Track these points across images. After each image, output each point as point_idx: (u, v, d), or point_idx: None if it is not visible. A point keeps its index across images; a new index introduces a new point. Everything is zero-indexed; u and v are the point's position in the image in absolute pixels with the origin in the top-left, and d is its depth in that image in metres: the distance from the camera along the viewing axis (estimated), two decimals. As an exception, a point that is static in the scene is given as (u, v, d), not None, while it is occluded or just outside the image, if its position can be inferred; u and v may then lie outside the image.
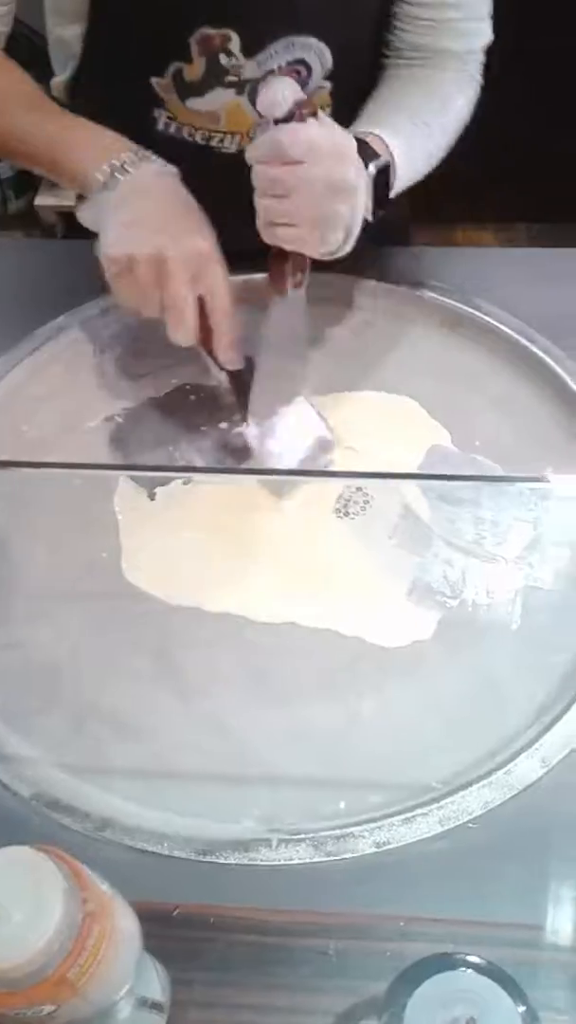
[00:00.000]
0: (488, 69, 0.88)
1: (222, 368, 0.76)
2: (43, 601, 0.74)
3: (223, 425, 0.83)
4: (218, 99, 0.84)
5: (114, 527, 0.78)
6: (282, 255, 0.71)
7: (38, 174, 0.84)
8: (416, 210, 1.09)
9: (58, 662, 0.70)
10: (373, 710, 0.67)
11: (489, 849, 0.60)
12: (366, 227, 0.71)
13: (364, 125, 0.76)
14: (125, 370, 0.89)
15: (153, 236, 0.68)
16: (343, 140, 0.67)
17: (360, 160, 0.68)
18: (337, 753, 0.65)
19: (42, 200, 2.07)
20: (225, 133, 0.87)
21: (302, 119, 0.64)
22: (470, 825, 0.60)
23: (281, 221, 0.67)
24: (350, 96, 0.85)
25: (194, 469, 0.81)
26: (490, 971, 0.41)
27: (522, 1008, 0.40)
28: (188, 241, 0.69)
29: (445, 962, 0.41)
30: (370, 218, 0.72)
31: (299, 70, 0.83)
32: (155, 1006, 0.49)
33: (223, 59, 0.80)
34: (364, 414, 0.85)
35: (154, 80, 0.83)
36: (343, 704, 0.67)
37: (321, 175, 0.64)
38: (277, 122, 0.64)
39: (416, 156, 0.78)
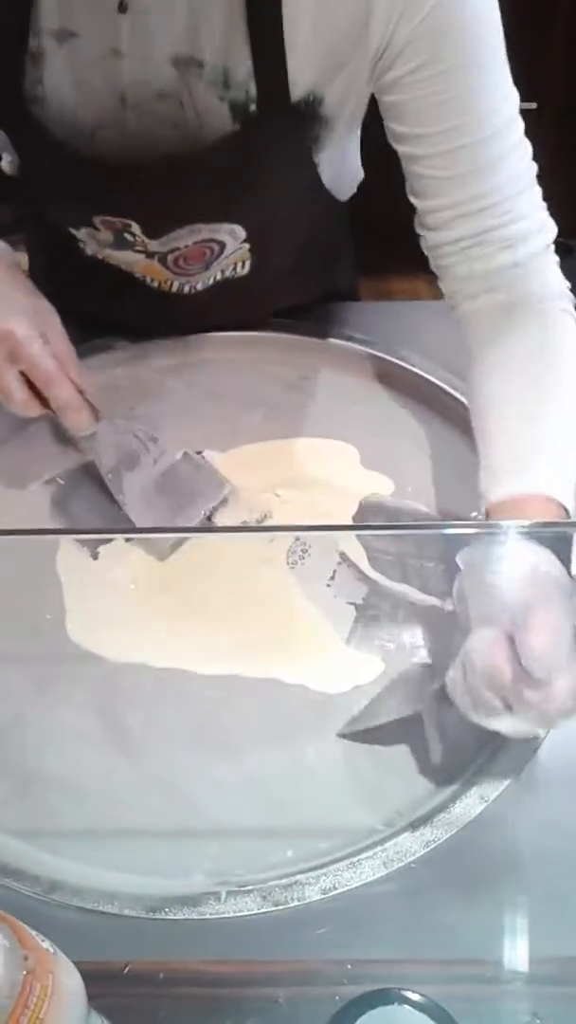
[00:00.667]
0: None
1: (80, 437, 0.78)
2: (-13, 665, 0.75)
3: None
4: (131, 258, 0.85)
5: (57, 588, 0.79)
6: None
7: None
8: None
9: (2, 725, 0.71)
10: (317, 757, 0.68)
11: (433, 888, 0.61)
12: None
13: (513, 473, 0.65)
14: (64, 432, 0.90)
15: None
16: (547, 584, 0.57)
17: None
18: (284, 801, 0.66)
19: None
20: (147, 276, 0.88)
21: None
22: (412, 865, 0.62)
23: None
24: (268, 246, 0.86)
25: (135, 530, 0.82)
26: (424, 1006, 0.42)
27: (458, 1041, 0.42)
28: None
29: (380, 998, 0.42)
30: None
31: (210, 247, 0.82)
32: (104, 1065, 0.49)
33: (127, 236, 0.80)
34: (300, 462, 0.88)
35: (71, 230, 0.84)
36: (288, 753, 0.69)
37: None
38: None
39: (571, 470, 0.66)
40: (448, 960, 0.58)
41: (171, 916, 0.60)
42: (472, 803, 0.64)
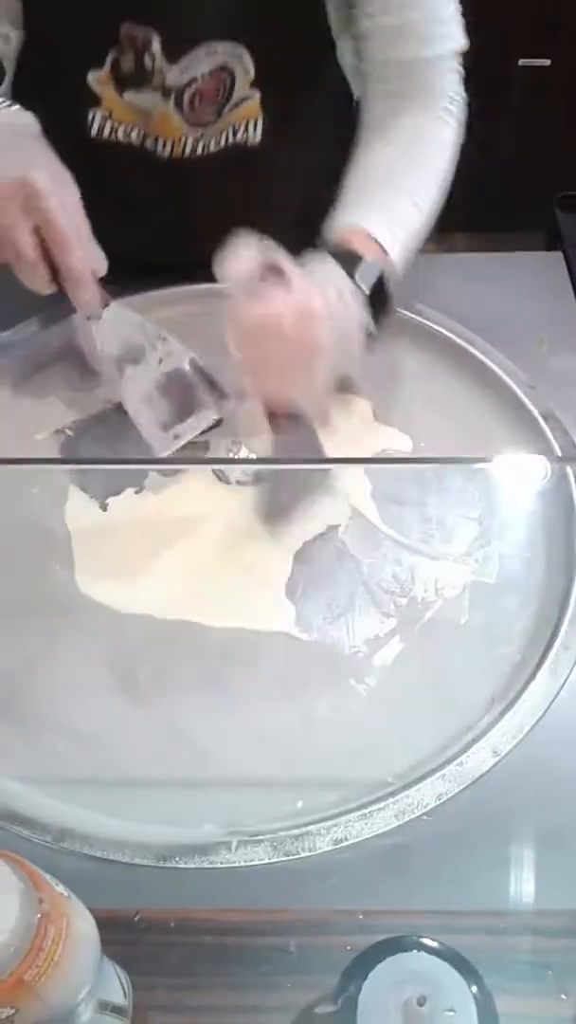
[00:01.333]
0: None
1: (87, 316, 0.75)
2: (-4, 614, 0.74)
3: (197, 436, 0.83)
4: (148, 100, 0.84)
5: (66, 539, 0.78)
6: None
7: None
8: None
9: (12, 674, 0.70)
10: (327, 709, 0.68)
11: (444, 840, 0.61)
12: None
13: (351, 207, 0.75)
14: (72, 383, 0.89)
15: None
16: (303, 299, 0.66)
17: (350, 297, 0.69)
18: (294, 753, 0.66)
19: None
20: (158, 136, 0.87)
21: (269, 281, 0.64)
22: (425, 817, 0.61)
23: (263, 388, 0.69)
24: (280, 107, 0.86)
25: (147, 461, 0.80)
26: (441, 952, 0.42)
27: (474, 988, 0.41)
28: (14, 172, 0.67)
29: (397, 945, 0.41)
30: (373, 331, 0.73)
31: (223, 78, 0.83)
32: (116, 1010, 0.49)
33: (147, 60, 0.80)
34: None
35: (92, 75, 0.82)
36: (298, 705, 0.68)
37: (290, 338, 0.65)
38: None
39: (410, 239, 0.77)
40: (459, 912, 0.58)
41: (182, 865, 0.60)
42: (484, 757, 0.64)
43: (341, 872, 0.60)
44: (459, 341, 0.90)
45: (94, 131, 0.86)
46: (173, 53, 0.80)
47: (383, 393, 0.87)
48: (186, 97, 0.83)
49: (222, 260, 0.64)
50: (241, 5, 0.79)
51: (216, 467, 0.80)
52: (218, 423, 0.79)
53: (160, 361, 0.78)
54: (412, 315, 0.93)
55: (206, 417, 0.79)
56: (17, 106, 0.72)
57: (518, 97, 1.95)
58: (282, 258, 0.65)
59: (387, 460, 0.83)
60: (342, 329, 0.70)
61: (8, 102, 0.71)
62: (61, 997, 0.42)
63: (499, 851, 0.61)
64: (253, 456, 0.82)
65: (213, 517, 0.79)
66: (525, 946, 0.57)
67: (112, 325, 0.75)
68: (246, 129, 0.88)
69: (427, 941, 0.42)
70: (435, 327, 0.92)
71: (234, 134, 0.88)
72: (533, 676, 0.67)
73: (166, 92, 0.83)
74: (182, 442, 0.79)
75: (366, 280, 0.71)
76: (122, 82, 0.83)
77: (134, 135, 0.87)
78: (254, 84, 0.84)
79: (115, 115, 0.86)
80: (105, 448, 0.84)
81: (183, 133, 0.86)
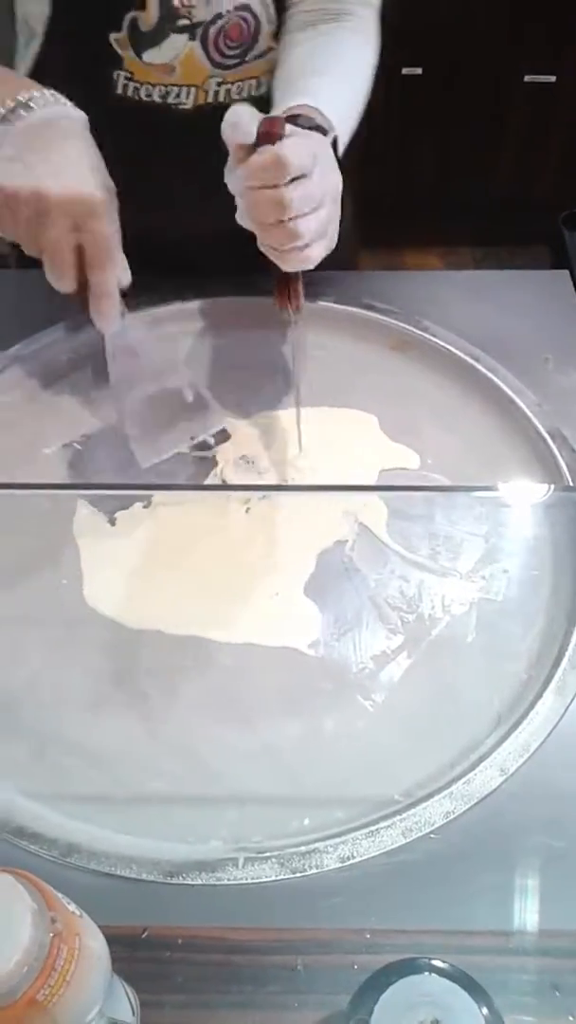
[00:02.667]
0: (440, 105, 0.90)
1: (98, 330, 0.75)
2: (3, 627, 0.74)
3: (182, 450, 0.84)
4: (172, 47, 0.84)
5: (75, 553, 0.78)
6: (288, 274, 0.72)
7: None
8: (365, 236, 1.12)
9: (19, 689, 0.70)
10: (335, 726, 0.68)
11: (452, 859, 0.61)
12: None
13: (289, 95, 0.77)
14: (81, 397, 0.90)
15: (37, 174, 0.66)
16: (316, 143, 0.68)
17: (330, 150, 0.70)
18: (301, 770, 0.66)
19: (-6, 230, 2.07)
20: (181, 87, 0.87)
21: (281, 137, 0.64)
22: (432, 836, 0.61)
23: (314, 239, 0.68)
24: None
25: (157, 487, 0.82)
26: (453, 974, 0.42)
27: (485, 1010, 0.41)
28: (77, 186, 0.66)
29: (408, 967, 0.41)
30: None
31: (245, 17, 0.85)
32: (125, 1028, 0.49)
33: (175, 2, 0.81)
34: (325, 430, 0.87)
35: (112, 36, 0.83)
36: (305, 721, 0.68)
37: (328, 184, 0.66)
38: (256, 147, 0.64)
39: (348, 119, 0.79)
40: (466, 931, 0.58)
41: (189, 881, 0.60)
42: (492, 775, 0.64)
43: (348, 890, 0.60)
44: (465, 358, 0.91)
45: (118, 90, 0.87)
46: None
47: (389, 409, 0.88)
48: (211, 33, 0.85)
49: (224, 125, 0.65)
50: None
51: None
52: (205, 445, 0.82)
53: (159, 375, 0.80)
54: (419, 331, 0.93)
55: (190, 431, 0.82)
56: (68, 103, 0.71)
57: (523, 113, 1.96)
58: (279, 119, 0.66)
59: (393, 488, 0.83)
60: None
61: (58, 97, 0.70)
62: (72, 1016, 0.42)
63: (506, 870, 0.61)
64: (260, 471, 0.82)
65: (222, 531, 0.79)
66: (532, 967, 0.57)
67: (122, 337, 0.76)
68: (268, 85, 0.89)
69: (438, 963, 0.42)
70: (442, 344, 0.92)
71: (257, 87, 0.90)
72: (540, 695, 0.68)
73: (192, 31, 0.84)
74: (164, 456, 0.81)
75: (329, 136, 0.73)
76: (140, 42, 0.84)
77: (156, 93, 0.88)
78: (276, 36, 0.87)
79: (136, 75, 0.86)
80: (114, 463, 0.84)
81: (207, 75, 0.87)
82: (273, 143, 0.64)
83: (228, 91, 0.89)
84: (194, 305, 0.97)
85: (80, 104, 0.72)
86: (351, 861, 0.60)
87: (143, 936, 0.57)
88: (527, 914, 0.59)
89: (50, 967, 0.40)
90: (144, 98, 0.88)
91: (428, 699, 0.69)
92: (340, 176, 0.71)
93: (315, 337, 0.94)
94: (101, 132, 0.72)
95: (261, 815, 0.64)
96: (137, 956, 0.56)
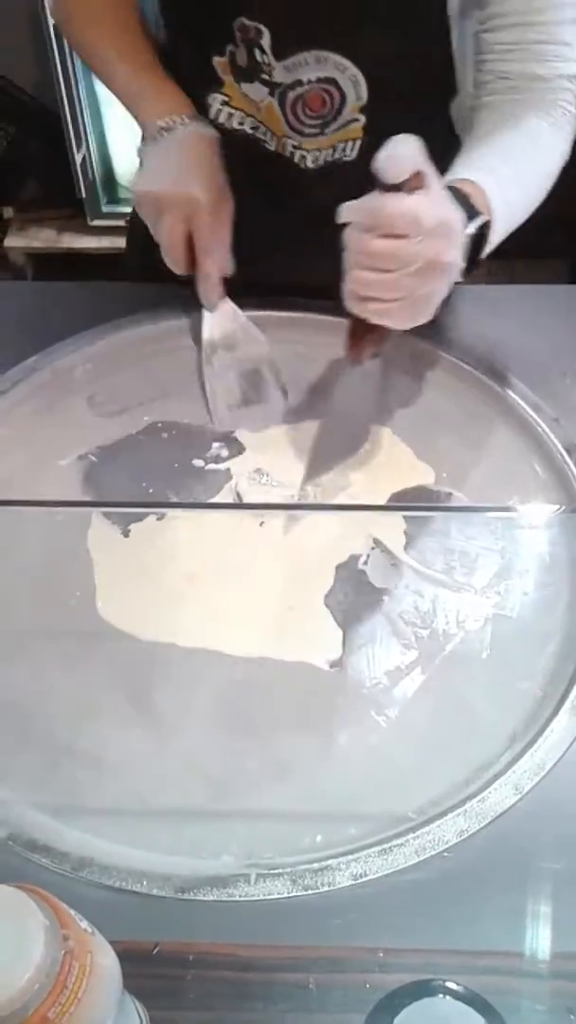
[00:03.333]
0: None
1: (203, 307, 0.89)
2: (16, 640, 0.74)
3: (197, 462, 0.85)
4: (258, 92, 0.87)
5: (88, 565, 0.78)
6: (363, 325, 0.70)
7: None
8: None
9: (31, 701, 0.70)
10: (348, 742, 0.68)
11: (465, 878, 0.60)
12: None
13: (468, 167, 0.74)
14: (98, 408, 0.90)
15: (161, 182, 0.83)
16: (449, 215, 0.65)
17: (462, 230, 0.67)
18: (313, 786, 0.66)
19: (12, 242, 2.09)
20: (266, 127, 0.90)
21: (411, 190, 0.62)
22: (445, 854, 0.61)
23: (373, 295, 0.66)
24: (384, 138, 0.85)
25: (172, 505, 0.82)
26: (468, 998, 0.41)
27: (500, 1034, 0.41)
28: (184, 188, 0.82)
29: (423, 989, 0.41)
30: (460, 277, 0.70)
31: (329, 91, 0.84)
32: (136, 1046, 0.49)
33: (257, 54, 0.83)
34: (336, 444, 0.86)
35: (216, 60, 0.86)
36: (318, 736, 0.68)
37: (424, 254, 0.63)
38: (386, 188, 0.62)
39: (515, 205, 0.76)
40: (480, 952, 0.57)
41: (200, 897, 0.60)
42: (506, 794, 0.63)
43: (360, 908, 0.59)
44: (482, 373, 0.90)
45: (212, 114, 0.90)
46: (280, 51, 0.82)
47: (406, 423, 0.88)
48: (290, 98, 0.86)
49: (383, 152, 0.62)
50: (354, 24, 0.80)
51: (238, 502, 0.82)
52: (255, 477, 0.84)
53: (245, 356, 0.92)
54: (435, 346, 0.93)
55: (263, 416, 0.89)
56: (201, 121, 0.85)
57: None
58: (429, 164, 0.63)
59: (407, 508, 0.83)
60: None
61: (190, 119, 0.84)
62: (83, 1034, 0.42)
63: (521, 890, 0.60)
64: (275, 485, 0.82)
65: (236, 544, 0.79)
66: (547, 989, 0.56)
67: (219, 316, 0.90)
68: (344, 151, 0.90)
69: (452, 985, 0.41)
70: (459, 359, 0.92)
71: (333, 151, 0.90)
72: (555, 713, 0.67)
73: (272, 87, 0.85)
74: (238, 426, 0.88)
75: (474, 224, 0.70)
76: (237, 73, 0.87)
77: (247, 124, 0.91)
78: (363, 109, 0.86)
79: (233, 101, 0.89)
80: (128, 476, 0.84)
81: (284, 134, 0.89)
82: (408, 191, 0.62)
83: (304, 156, 0.90)
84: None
85: None
86: (364, 879, 0.60)
87: (154, 952, 0.57)
88: (542, 935, 0.58)
89: (62, 985, 0.40)
90: (236, 126, 0.90)
91: (442, 715, 0.69)
92: (456, 255, 0.66)
93: (329, 351, 0.94)
94: None
95: (273, 831, 0.64)
96: (148, 972, 0.55)
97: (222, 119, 0.90)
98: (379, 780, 0.66)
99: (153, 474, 0.84)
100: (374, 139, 0.86)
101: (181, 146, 0.83)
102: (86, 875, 0.61)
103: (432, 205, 0.63)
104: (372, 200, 0.63)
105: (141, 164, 0.86)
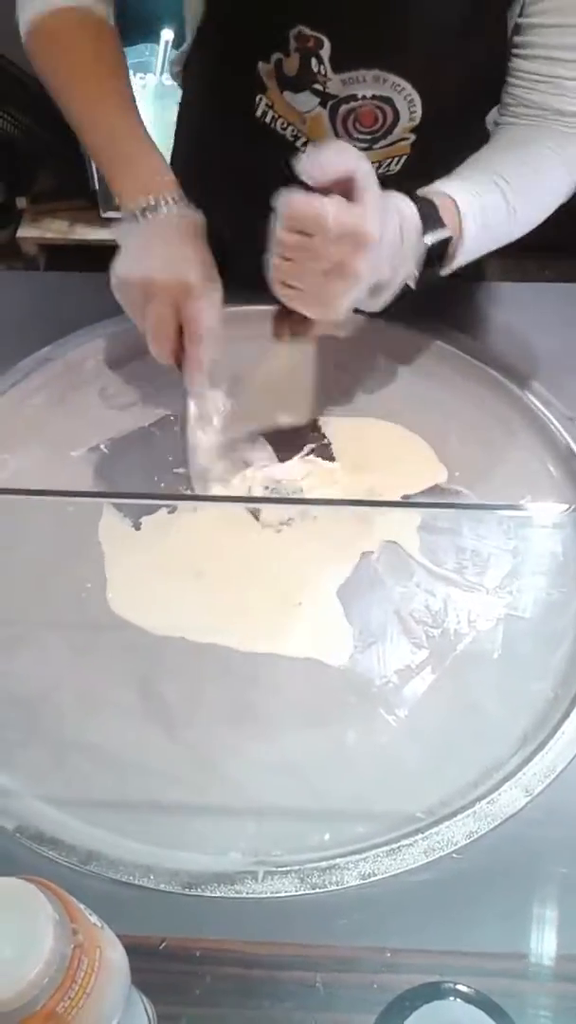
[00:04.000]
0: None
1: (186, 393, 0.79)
2: (26, 630, 0.74)
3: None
4: (306, 102, 0.85)
5: (99, 557, 0.78)
6: (285, 307, 0.71)
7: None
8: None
9: (40, 693, 0.70)
10: (357, 740, 0.67)
11: (474, 879, 0.60)
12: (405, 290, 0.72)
13: (448, 181, 0.74)
14: (110, 400, 0.90)
15: (149, 265, 0.75)
16: (364, 226, 0.63)
17: (398, 242, 0.67)
18: (322, 784, 0.65)
19: (25, 233, 2.09)
20: (307, 138, 0.89)
21: (341, 194, 0.62)
22: (454, 855, 0.61)
23: (280, 280, 0.67)
24: (429, 156, 0.85)
25: (183, 497, 0.82)
26: (478, 1000, 0.41)
27: (511, 1037, 0.41)
28: (176, 273, 0.74)
29: (433, 992, 0.41)
30: (412, 285, 0.72)
31: (383, 108, 0.84)
32: (142, 1041, 0.49)
33: (314, 63, 0.81)
34: (366, 442, 0.86)
35: (260, 65, 0.84)
36: (327, 734, 0.68)
37: (330, 256, 0.63)
38: (309, 188, 0.62)
39: (491, 227, 0.75)
40: (488, 954, 0.57)
41: (207, 893, 0.59)
42: (516, 796, 0.63)
43: (368, 908, 0.59)
44: (495, 371, 0.90)
45: (258, 113, 0.88)
46: (340, 64, 0.81)
47: (419, 421, 0.87)
48: (342, 111, 0.85)
49: (308, 154, 0.62)
50: (420, 48, 0.79)
51: (250, 507, 0.81)
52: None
53: (228, 439, 0.83)
54: (449, 344, 0.93)
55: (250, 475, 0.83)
56: (184, 205, 0.77)
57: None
58: (364, 172, 0.63)
59: (419, 505, 0.82)
60: (387, 263, 0.68)
61: (176, 200, 0.76)
62: (91, 1029, 0.41)
63: (530, 893, 0.60)
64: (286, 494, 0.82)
65: (247, 539, 0.79)
66: (555, 992, 0.56)
67: (203, 400, 0.81)
68: (389, 165, 0.89)
69: (463, 988, 0.41)
70: (472, 356, 0.91)
71: (377, 168, 0.88)
72: (567, 715, 0.67)
73: (324, 98, 0.84)
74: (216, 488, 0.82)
75: (434, 236, 0.70)
76: (283, 81, 0.84)
77: (288, 131, 0.89)
78: (415, 129, 0.85)
79: (275, 107, 0.88)
80: (139, 467, 0.84)
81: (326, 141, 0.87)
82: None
83: None
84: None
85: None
86: (372, 879, 0.60)
87: (161, 947, 0.57)
88: (550, 938, 0.58)
89: (71, 979, 0.39)
90: (280, 129, 0.89)
91: (452, 715, 0.69)
92: (363, 267, 0.65)
93: (344, 349, 0.94)
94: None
95: (281, 828, 0.63)
96: (154, 967, 0.55)
97: (268, 119, 0.89)
98: (388, 780, 0.66)
99: (164, 467, 0.84)
100: (420, 156, 0.86)
101: (167, 228, 0.76)
102: (93, 868, 0.60)
103: (345, 212, 0.62)
104: (292, 194, 0.63)
105: (121, 245, 0.77)
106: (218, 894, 0.59)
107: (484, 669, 0.71)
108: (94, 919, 0.43)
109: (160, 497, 0.82)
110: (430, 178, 0.78)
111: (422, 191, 0.72)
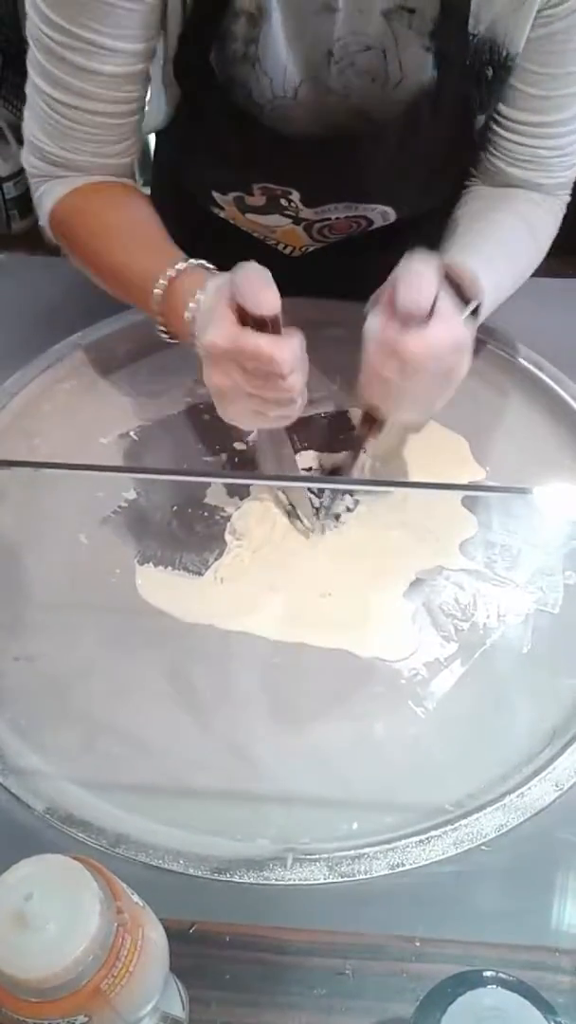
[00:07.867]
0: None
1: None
2: (57, 614, 0.74)
3: (238, 445, 0.84)
4: (275, 222, 0.86)
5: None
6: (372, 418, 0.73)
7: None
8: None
9: (71, 677, 0.70)
10: (386, 731, 0.67)
11: (503, 872, 0.60)
12: None
13: (457, 252, 0.73)
14: (139, 388, 0.90)
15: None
16: (461, 335, 0.64)
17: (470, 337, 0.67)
18: (350, 773, 0.66)
19: (46, 220, 2.08)
20: (278, 242, 0.91)
21: (425, 321, 0.61)
22: (484, 848, 0.61)
23: (387, 406, 0.69)
24: (406, 223, 0.87)
25: (214, 474, 0.82)
26: (519, 988, 0.41)
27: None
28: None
29: (475, 979, 0.41)
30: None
31: (357, 220, 0.85)
32: (176, 1022, 0.49)
33: (283, 202, 0.82)
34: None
35: (217, 195, 0.84)
36: (357, 725, 0.68)
37: (439, 370, 0.64)
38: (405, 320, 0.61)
39: (501, 290, 0.75)
40: (518, 945, 0.57)
41: (237, 879, 0.59)
42: (546, 789, 0.63)
43: (397, 897, 0.59)
44: (528, 366, 0.90)
45: (222, 216, 0.89)
46: (311, 202, 0.81)
47: (450, 417, 0.87)
48: (316, 227, 0.87)
49: (405, 276, 0.61)
50: (387, 185, 0.80)
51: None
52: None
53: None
54: (482, 337, 0.92)
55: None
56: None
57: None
58: (441, 288, 0.63)
59: (449, 487, 0.82)
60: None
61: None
62: (132, 1007, 0.42)
63: (557, 885, 0.60)
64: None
65: (276, 528, 0.79)
66: (583, 985, 0.56)
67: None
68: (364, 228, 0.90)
69: (503, 976, 0.41)
70: (504, 351, 0.91)
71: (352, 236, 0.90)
72: (598, 710, 0.67)
73: (297, 221, 0.85)
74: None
75: (468, 309, 0.68)
76: (245, 208, 0.85)
77: (256, 235, 0.91)
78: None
79: (237, 222, 0.89)
80: (169, 456, 0.84)
81: (305, 244, 0.90)
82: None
83: (324, 248, 0.92)
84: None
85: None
86: (401, 868, 0.60)
87: (191, 931, 0.57)
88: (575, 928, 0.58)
89: (115, 957, 0.40)
90: (245, 230, 0.91)
91: (481, 709, 0.69)
92: (467, 364, 0.66)
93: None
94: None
95: (309, 816, 0.63)
96: (185, 951, 0.55)
97: (230, 225, 0.90)
98: (416, 772, 0.66)
99: (194, 455, 0.84)
100: (395, 228, 0.87)
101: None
102: (123, 851, 0.61)
103: (448, 331, 0.63)
104: (393, 334, 0.62)
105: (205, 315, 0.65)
106: (247, 880, 0.59)
107: (513, 663, 0.71)
108: (136, 899, 0.43)
109: (192, 474, 0.81)
110: (395, 232, 0.84)
111: (449, 264, 0.67)
